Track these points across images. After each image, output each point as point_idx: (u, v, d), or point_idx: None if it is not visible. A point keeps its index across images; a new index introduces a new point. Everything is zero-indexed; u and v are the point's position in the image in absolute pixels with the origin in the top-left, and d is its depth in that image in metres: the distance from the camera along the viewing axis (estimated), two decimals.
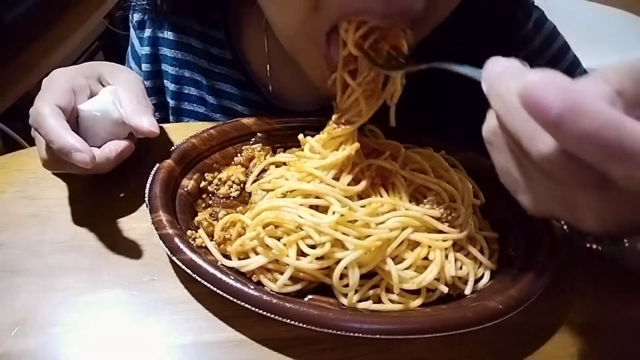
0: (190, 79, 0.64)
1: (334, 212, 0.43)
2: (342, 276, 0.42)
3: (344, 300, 0.42)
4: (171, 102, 0.66)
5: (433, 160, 0.51)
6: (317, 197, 0.44)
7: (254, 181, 0.51)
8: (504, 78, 0.28)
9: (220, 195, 0.51)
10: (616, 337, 0.43)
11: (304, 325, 0.38)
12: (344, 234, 0.42)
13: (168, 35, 0.64)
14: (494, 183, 0.53)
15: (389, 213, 0.44)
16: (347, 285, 0.42)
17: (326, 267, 0.42)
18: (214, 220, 0.47)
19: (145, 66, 0.66)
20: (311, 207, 0.44)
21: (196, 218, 0.47)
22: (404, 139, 0.56)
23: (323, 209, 0.44)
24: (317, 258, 0.42)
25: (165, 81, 0.66)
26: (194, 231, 0.45)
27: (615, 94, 0.24)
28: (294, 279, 0.42)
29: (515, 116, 0.26)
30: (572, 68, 0.60)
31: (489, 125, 0.31)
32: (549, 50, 0.59)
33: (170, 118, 0.67)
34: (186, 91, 0.65)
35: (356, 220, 0.43)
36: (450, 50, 0.52)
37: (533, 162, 0.27)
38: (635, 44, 1.63)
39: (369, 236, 0.42)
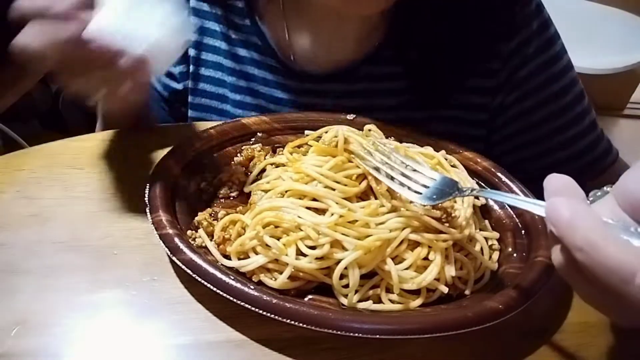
0: (209, 45, 0.67)
1: (332, 214, 0.43)
2: (342, 276, 0.42)
3: (344, 300, 0.42)
4: (191, 68, 0.68)
5: (433, 160, 0.51)
6: (315, 200, 0.45)
7: (254, 181, 0.51)
8: (579, 230, 0.31)
9: (220, 195, 0.51)
10: (616, 337, 0.43)
11: (304, 325, 0.37)
12: (343, 234, 0.42)
13: (191, 3, 0.67)
14: (494, 183, 0.53)
15: (389, 214, 0.44)
16: (347, 286, 0.42)
17: (326, 267, 0.42)
18: (213, 220, 0.47)
19: None
20: (310, 208, 0.44)
21: (196, 218, 0.47)
22: (404, 139, 0.56)
23: (323, 211, 0.44)
24: (317, 258, 0.42)
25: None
26: (194, 231, 0.45)
27: None
28: (293, 278, 0.42)
29: (610, 274, 0.29)
30: (561, 53, 0.64)
31: (566, 264, 0.34)
32: (544, 34, 0.62)
33: (190, 84, 0.68)
34: (203, 57, 0.67)
35: (356, 221, 0.43)
36: (455, 26, 0.59)
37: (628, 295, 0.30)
38: (635, 44, 1.63)
39: (368, 236, 0.42)
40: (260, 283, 0.42)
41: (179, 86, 0.69)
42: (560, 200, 0.32)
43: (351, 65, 0.63)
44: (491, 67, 0.62)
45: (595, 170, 0.65)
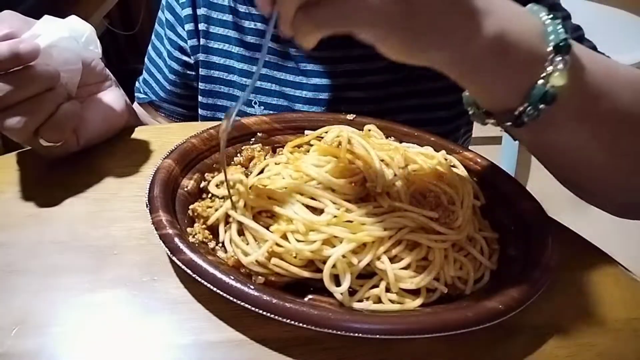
0: (218, 19, 0.71)
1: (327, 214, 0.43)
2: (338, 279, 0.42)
3: (339, 296, 0.42)
4: (201, 41, 0.72)
5: (433, 160, 0.51)
6: (313, 199, 0.45)
7: None
8: None
9: (220, 196, 0.51)
10: (616, 337, 0.43)
11: (304, 325, 0.37)
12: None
13: None
14: (494, 183, 0.53)
15: (386, 214, 0.44)
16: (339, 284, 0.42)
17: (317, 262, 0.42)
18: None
19: (186, 10, 0.72)
20: (309, 207, 0.44)
21: (190, 206, 0.48)
22: (404, 138, 0.56)
23: (320, 212, 0.44)
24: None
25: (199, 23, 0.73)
26: (192, 227, 0.46)
27: None
28: (278, 275, 0.42)
29: None
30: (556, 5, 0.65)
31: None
32: None
33: (200, 57, 0.72)
34: (212, 30, 0.71)
35: (352, 222, 0.43)
36: None
37: None
38: (635, 44, 1.63)
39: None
40: (260, 283, 0.42)
41: (191, 60, 0.73)
42: None
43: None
44: None
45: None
